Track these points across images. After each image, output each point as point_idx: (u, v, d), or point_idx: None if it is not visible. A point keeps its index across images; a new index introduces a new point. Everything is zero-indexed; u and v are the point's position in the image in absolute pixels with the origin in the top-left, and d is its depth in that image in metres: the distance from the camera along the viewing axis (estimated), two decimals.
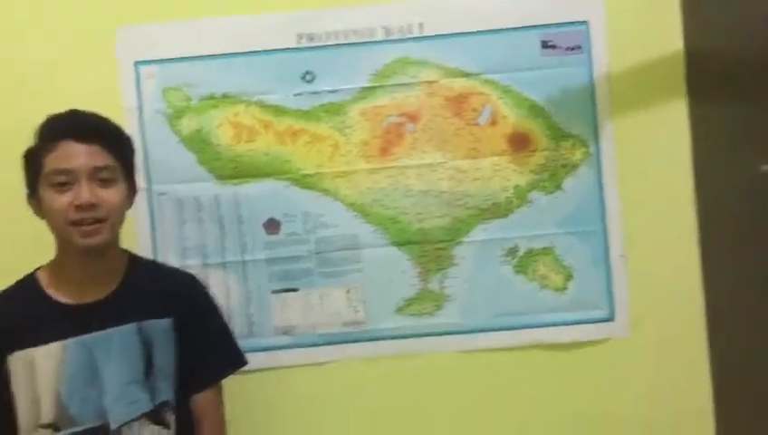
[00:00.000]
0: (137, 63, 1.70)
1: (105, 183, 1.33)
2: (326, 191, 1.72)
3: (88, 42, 1.70)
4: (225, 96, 1.70)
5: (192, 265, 1.71)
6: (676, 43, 1.70)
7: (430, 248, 1.72)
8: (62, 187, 1.31)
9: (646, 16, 1.69)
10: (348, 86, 1.71)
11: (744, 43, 1.52)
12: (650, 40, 1.70)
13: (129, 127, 1.66)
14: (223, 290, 1.72)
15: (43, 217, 1.34)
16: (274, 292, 1.73)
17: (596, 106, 1.70)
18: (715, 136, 1.65)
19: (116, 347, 1.36)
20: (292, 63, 1.70)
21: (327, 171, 1.71)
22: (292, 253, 1.72)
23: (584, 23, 1.69)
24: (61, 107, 1.64)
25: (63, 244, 1.35)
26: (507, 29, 1.69)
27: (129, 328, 1.37)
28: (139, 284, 1.42)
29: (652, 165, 1.71)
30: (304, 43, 1.70)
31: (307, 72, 1.71)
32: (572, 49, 1.70)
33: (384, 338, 1.74)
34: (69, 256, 1.36)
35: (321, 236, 1.72)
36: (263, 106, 1.71)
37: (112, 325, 1.36)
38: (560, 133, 1.71)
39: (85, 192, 1.30)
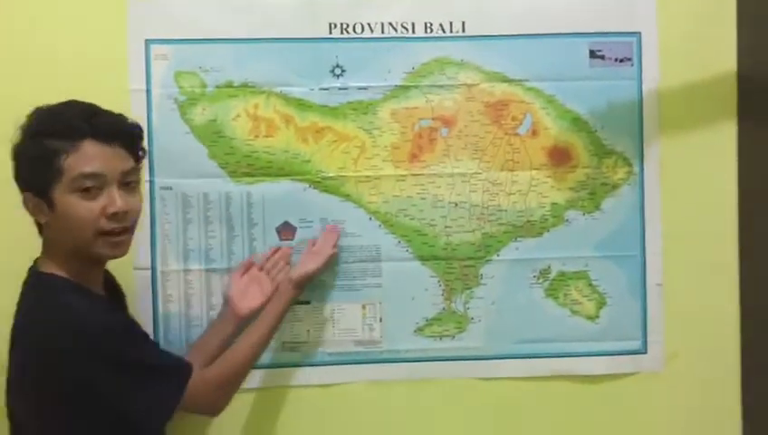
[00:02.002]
0: (148, 41, 1.53)
1: (129, 188, 1.26)
2: (348, 197, 1.57)
3: (96, 13, 1.52)
4: (244, 85, 1.55)
5: (193, 269, 1.55)
6: (730, 64, 1.60)
7: (457, 265, 1.59)
8: (88, 192, 1.20)
9: (700, 33, 1.60)
10: (380, 84, 1.56)
11: None
12: (703, 58, 1.61)
13: (135, 111, 1.52)
14: None
15: (43, 221, 1.23)
16: None
17: (642, 123, 1.60)
18: (763, 163, 1.56)
19: None
20: (320, 55, 1.56)
21: (350, 175, 1.57)
22: None
23: (636, 34, 1.59)
24: (62, 82, 1.50)
25: (78, 253, 1.23)
26: (555, 34, 1.58)
27: None
28: None
29: (697, 190, 1.62)
30: (336, 34, 1.56)
31: (336, 66, 1.56)
32: (622, 61, 1.59)
33: (400, 360, 1.60)
34: (85, 265, 1.26)
35: (339, 244, 1.57)
36: (285, 99, 1.55)
37: None
38: (603, 150, 1.60)
39: (119, 199, 1.22)
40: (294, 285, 1.48)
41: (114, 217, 1.22)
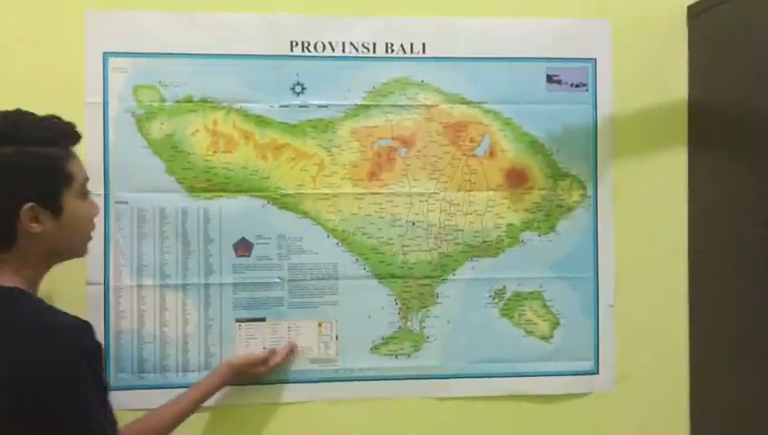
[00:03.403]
0: (106, 54, 1.51)
1: None
2: (306, 214, 1.57)
3: (53, 24, 1.51)
4: (203, 100, 1.54)
5: (147, 284, 1.53)
6: (681, 91, 1.65)
7: (413, 284, 1.60)
8: (86, 196, 1.28)
9: (652, 62, 1.64)
10: (340, 102, 1.57)
11: (748, 97, 1.48)
12: (655, 85, 1.65)
13: (91, 124, 1.50)
14: (180, 316, 1.54)
15: (38, 231, 1.17)
16: (239, 321, 1.56)
17: (597, 147, 1.63)
18: (712, 188, 1.60)
19: None
20: (281, 72, 1.56)
21: (309, 192, 1.57)
22: (263, 279, 1.56)
23: (591, 60, 1.63)
24: (16, 94, 1.46)
25: (56, 259, 1.27)
26: (513, 58, 1.61)
27: None
28: None
29: (648, 213, 1.65)
30: (297, 52, 1.56)
31: (297, 83, 1.56)
32: (578, 86, 1.62)
33: (355, 379, 1.59)
34: (44, 271, 1.27)
35: (296, 262, 1.57)
36: (245, 115, 1.55)
37: None
38: (558, 172, 1.63)
39: (95, 202, 1.33)
40: (231, 369, 1.49)
41: (92, 219, 1.32)
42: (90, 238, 1.32)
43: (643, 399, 1.66)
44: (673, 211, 1.66)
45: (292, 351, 1.57)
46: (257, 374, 1.52)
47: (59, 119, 1.24)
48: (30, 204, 1.16)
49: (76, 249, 1.30)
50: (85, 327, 1.18)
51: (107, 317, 1.52)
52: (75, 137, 1.25)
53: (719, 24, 1.58)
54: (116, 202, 1.52)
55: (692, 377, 1.67)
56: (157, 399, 1.49)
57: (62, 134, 1.23)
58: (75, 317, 1.20)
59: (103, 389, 1.19)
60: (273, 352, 1.54)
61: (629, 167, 1.65)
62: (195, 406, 1.43)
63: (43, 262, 1.25)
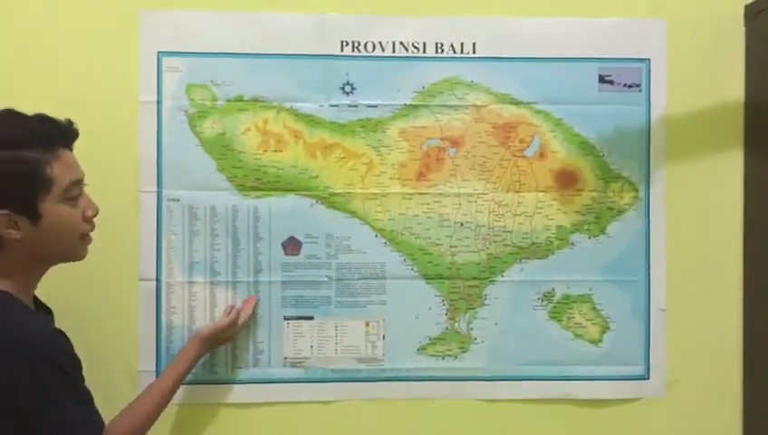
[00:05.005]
0: (160, 54, 1.54)
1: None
2: (354, 213, 1.58)
3: (109, 24, 1.53)
4: (255, 99, 1.55)
5: (198, 281, 1.55)
6: (737, 92, 1.61)
7: (461, 285, 1.59)
8: (75, 200, 1.22)
9: (709, 62, 1.61)
10: (389, 102, 1.57)
11: None
12: (711, 86, 1.62)
13: (145, 123, 1.53)
14: None
15: (17, 237, 1.15)
16: (287, 318, 1.57)
17: (650, 149, 1.60)
18: None
19: None
20: (331, 72, 1.56)
21: (357, 192, 1.57)
22: (311, 277, 1.57)
23: (645, 60, 1.60)
24: (72, 92, 1.53)
25: (45, 264, 1.25)
26: (564, 58, 1.59)
27: None
28: None
29: (702, 217, 1.62)
30: (348, 51, 1.57)
31: (347, 83, 1.57)
32: (630, 86, 1.60)
33: (401, 379, 1.59)
34: (39, 272, 1.25)
35: (344, 261, 1.58)
36: (295, 114, 1.56)
37: None
38: (609, 174, 1.60)
39: (92, 202, 1.28)
40: (201, 341, 1.47)
41: (91, 219, 1.26)
42: (85, 240, 1.26)
43: (695, 405, 1.63)
44: (728, 215, 1.63)
45: (253, 305, 1.55)
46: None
47: (49, 118, 1.19)
48: (4, 211, 1.14)
49: (66, 253, 1.25)
50: (57, 335, 1.17)
51: (158, 313, 1.55)
52: (63, 138, 1.20)
53: None
54: (168, 200, 1.54)
55: (745, 384, 1.63)
56: (204, 394, 1.55)
57: (44, 136, 1.16)
58: (50, 326, 1.21)
59: (83, 393, 1.18)
60: (238, 314, 1.52)
61: (683, 169, 1.61)
62: (177, 387, 1.41)
63: (33, 266, 1.22)
